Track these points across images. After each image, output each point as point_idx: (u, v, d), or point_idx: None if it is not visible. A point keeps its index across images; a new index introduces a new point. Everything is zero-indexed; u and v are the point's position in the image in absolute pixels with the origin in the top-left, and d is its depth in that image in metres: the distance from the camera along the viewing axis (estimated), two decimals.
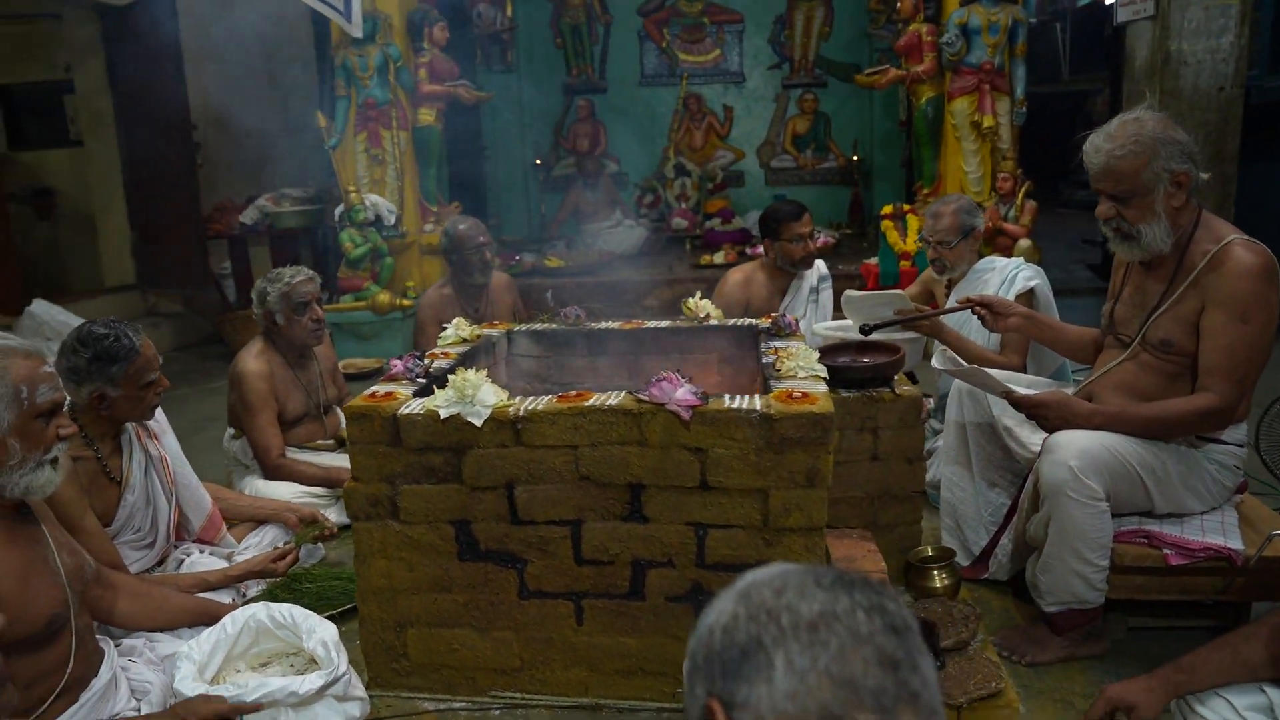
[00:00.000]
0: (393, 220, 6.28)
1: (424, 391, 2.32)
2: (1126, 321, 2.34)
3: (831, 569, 0.87)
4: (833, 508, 2.50)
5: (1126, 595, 2.27)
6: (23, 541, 1.82)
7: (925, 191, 6.00)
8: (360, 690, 2.09)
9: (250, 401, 3.35)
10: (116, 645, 2.18)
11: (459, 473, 2.18)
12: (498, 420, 2.13)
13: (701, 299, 3.18)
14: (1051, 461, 2.14)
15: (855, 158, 8.73)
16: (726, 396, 2.11)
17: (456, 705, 2.27)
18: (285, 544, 2.80)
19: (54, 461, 1.84)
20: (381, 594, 2.28)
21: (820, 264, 4.03)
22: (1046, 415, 2.22)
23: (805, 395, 2.10)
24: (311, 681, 1.92)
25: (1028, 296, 3.22)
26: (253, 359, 3.40)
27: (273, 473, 3.36)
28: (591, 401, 2.12)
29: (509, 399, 2.17)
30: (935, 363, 2.48)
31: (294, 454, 3.44)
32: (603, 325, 3.13)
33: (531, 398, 2.19)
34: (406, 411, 2.18)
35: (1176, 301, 2.19)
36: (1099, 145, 2.18)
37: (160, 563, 2.71)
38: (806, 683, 0.75)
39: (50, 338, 4.92)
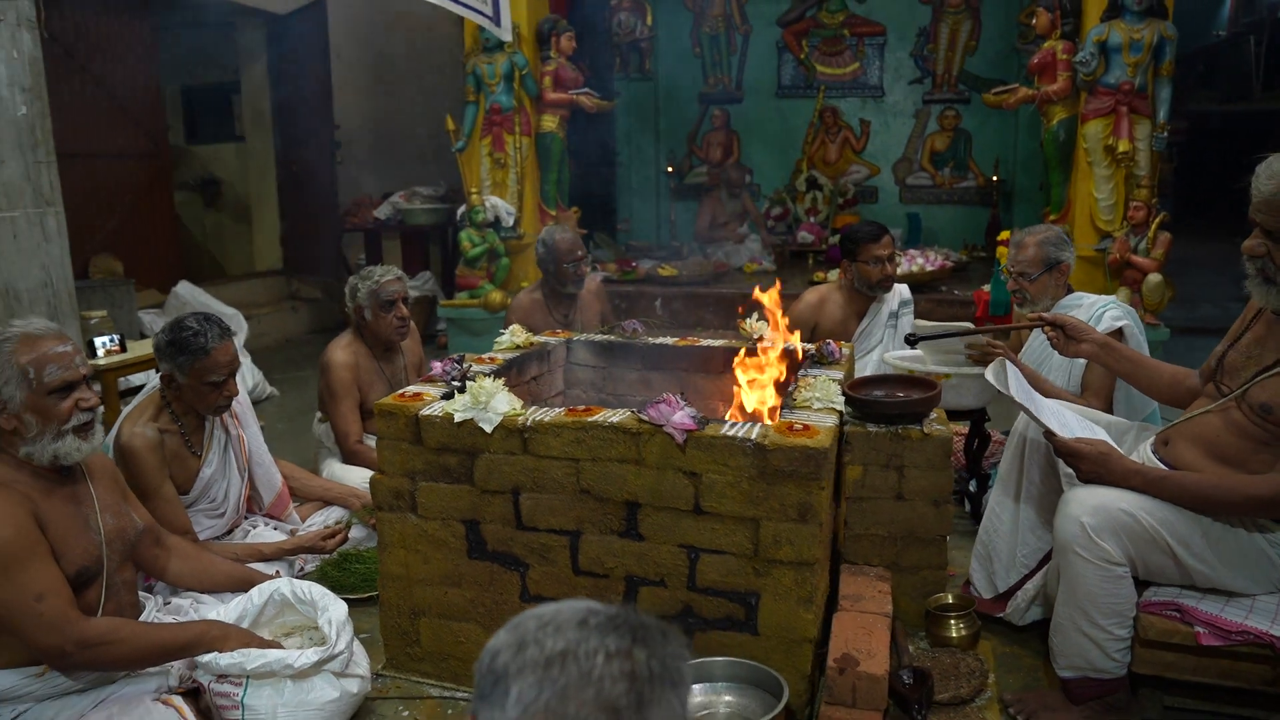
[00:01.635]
0: (511, 222, 6.53)
1: (453, 395, 2.43)
2: (1235, 371, 2.09)
3: (617, 611, 0.88)
4: (854, 543, 2.45)
5: (1155, 671, 2.10)
6: (62, 499, 2.03)
7: (1053, 218, 5.69)
8: (362, 669, 2.22)
9: (334, 389, 3.58)
10: (166, 603, 2.41)
11: (471, 475, 2.28)
12: (507, 428, 2.21)
13: (758, 320, 3.16)
14: (1064, 515, 2.02)
15: (995, 178, 8.34)
16: (726, 423, 2.11)
17: (459, 695, 2.37)
18: (336, 523, 2.99)
19: (80, 430, 2.02)
20: (399, 582, 2.41)
21: (902, 289, 3.90)
22: (1080, 466, 2.08)
23: (806, 428, 2.07)
24: (308, 656, 2.06)
25: (1115, 338, 3.01)
26: (340, 350, 3.63)
27: (349, 457, 3.58)
28: (595, 417, 2.17)
29: (521, 408, 2.25)
30: (988, 374, 2.37)
31: (372, 441, 3.65)
32: (658, 340, 3.17)
33: (542, 408, 2.26)
34: (427, 413, 2.30)
35: None
36: (1274, 170, 1.92)
37: (230, 531, 2.96)
38: (527, 715, 0.78)
39: None
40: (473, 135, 6.51)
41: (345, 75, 7.17)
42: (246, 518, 3.04)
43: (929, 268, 6.28)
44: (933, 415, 2.47)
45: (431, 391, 2.45)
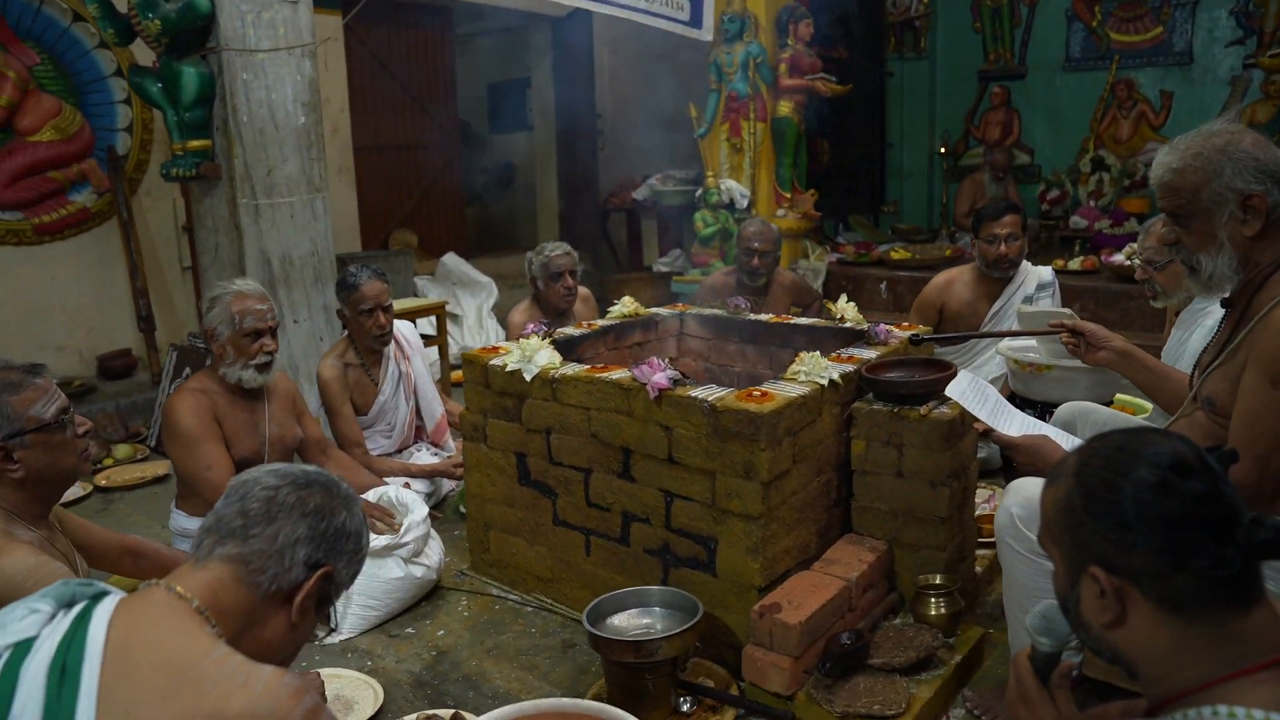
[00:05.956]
0: (745, 204, 6.87)
1: None
2: (1200, 373, 2.06)
3: (312, 470, 1.33)
4: (858, 515, 2.60)
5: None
6: (241, 409, 2.84)
7: None
8: (431, 561, 2.82)
9: None
10: None
11: (520, 415, 2.76)
12: (542, 378, 2.66)
13: (847, 302, 3.28)
14: (1001, 505, 2.04)
15: None
16: (698, 386, 2.39)
17: (509, 597, 2.88)
18: None
19: (260, 367, 2.80)
20: (477, 499, 2.97)
21: (1042, 271, 3.73)
22: (1015, 458, 2.08)
23: (764, 394, 2.28)
24: (379, 541, 2.68)
25: None
26: (519, 313, 4.28)
27: None
28: (601, 374, 2.54)
29: (557, 363, 2.69)
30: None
31: None
32: (757, 317, 3.41)
33: (569, 364, 2.68)
34: (493, 363, 2.81)
35: (1230, 355, 1.89)
36: (1161, 158, 1.94)
37: (398, 450, 3.72)
38: (213, 515, 1.29)
39: (455, 283, 6.44)
40: (714, 122, 6.92)
41: (615, 68, 7.92)
42: (415, 442, 3.79)
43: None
44: (949, 399, 2.51)
45: (511, 346, 2.96)
